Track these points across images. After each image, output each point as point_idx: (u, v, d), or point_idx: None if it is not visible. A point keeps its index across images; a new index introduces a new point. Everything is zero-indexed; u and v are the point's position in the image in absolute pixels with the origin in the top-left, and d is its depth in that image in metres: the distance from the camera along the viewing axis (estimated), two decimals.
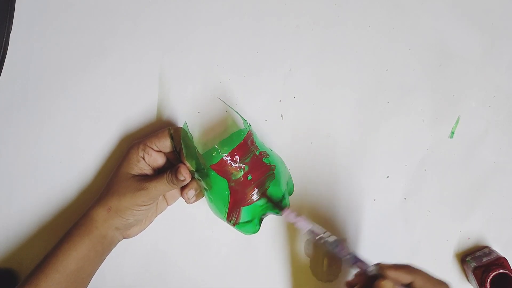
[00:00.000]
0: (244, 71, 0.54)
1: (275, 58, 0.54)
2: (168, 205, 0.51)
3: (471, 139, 0.55)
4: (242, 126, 0.52)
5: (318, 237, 0.46)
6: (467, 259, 0.53)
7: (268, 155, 0.48)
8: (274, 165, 0.48)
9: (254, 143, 0.47)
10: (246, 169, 0.47)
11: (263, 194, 0.47)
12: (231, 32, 0.54)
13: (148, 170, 0.49)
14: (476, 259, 0.52)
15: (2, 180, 0.52)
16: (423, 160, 0.55)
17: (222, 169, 0.46)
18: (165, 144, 0.48)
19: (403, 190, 0.55)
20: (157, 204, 0.50)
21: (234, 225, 0.48)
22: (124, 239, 0.49)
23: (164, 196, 0.51)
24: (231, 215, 0.47)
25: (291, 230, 0.54)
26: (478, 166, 0.55)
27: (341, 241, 0.45)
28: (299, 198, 0.54)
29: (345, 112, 0.54)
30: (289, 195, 0.50)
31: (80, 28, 0.53)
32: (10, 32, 0.52)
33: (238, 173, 0.47)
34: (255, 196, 0.47)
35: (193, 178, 0.47)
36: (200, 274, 0.54)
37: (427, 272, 0.42)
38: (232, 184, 0.46)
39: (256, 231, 0.48)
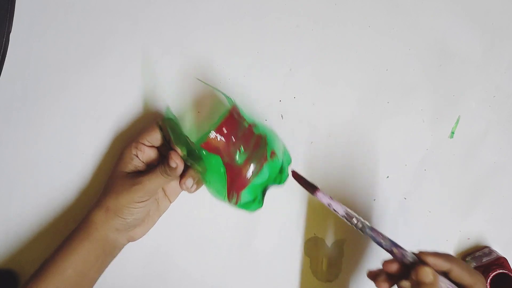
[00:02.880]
0: (244, 71, 0.54)
1: (275, 58, 0.54)
2: (170, 202, 0.51)
3: (471, 139, 0.55)
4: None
5: (355, 219, 0.43)
6: (467, 259, 0.53)
7: (257, 125, 0.47)
8: (265, 134, 0.47)
9: (241, 116, 0.46)
10: (238, 141, 0.45)
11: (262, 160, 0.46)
12: (231, 32, 0.54)
13: (142, 167, 0.48)
14: (476, 259, 0.52)
15: (2, 180, 0.52)
16: (423, 160, 0.55)
17: (213, 146, 0.44)
18: (156, 137, 0.48)
19: (403, 190, 0.55)
20: (158, 202, 0.50)
21: (236, 204, 0.46)
22: (129, 242, 0.49)
23: (165, 193, 0.50)
24: (231, 193, 0.46)
25: (291, 230, 0.54)
26: (478, 166, 0.55)
27: (374, 227, 0.43)
28: (299, 198, 0.54)
29: (345, 112, 0.54)
30: (288, 165, 0.49)
31: (80, 28, 0.53)
32: (10, 32, 0.52)
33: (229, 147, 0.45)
34: (251, 169, 0.45)
35: (189, 167, 0.46)
36: (201, 274, 0.54)
37: (464, 262, 0.41)
38: (226, 159, 0.45)
39: (260, 207, 0.47)
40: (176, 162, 0.44)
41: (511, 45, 0.55)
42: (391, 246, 0.42)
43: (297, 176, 0.45)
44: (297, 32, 0.54)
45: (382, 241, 0.42)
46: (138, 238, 0.49)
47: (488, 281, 0.49)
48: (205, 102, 0.53)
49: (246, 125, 0.46)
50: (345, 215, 0.43)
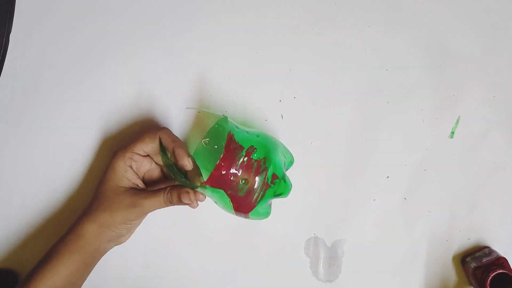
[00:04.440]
0: (244, 71, 0.54)
1: (275, 58, 0.54)
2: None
3: (471, 139, 0.55)
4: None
5: None
6: (467, 259, 0.53)
7: (255, 148, 0.46)
8: (265, 156, 0.46)
9: (237, 145, 0.45)
10: (238, 174, 0.45)
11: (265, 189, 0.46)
12: (231, 32, 0.54)
13: (136, 179, 0.47)
14: (476, 260, 0.52)
15: (2, 180, 0.52)
16: (423, 160, 0.55)
17: (216, 183, 0.44)
18: (151, 146, 0.46)
19: (403, 190, 0.55)
20: None
21: (245, 217, 0.47)
22: (116, 246, 0.49)
23: None
24: (239, 213, 0.46)
25: (291, 230, 0.54)
26: (478, 166, 0.55)
27: None
28: (299, 199, 0.54)
29: (345, 112, 0.54)
30: (290, 166, 0.50)
31: (80, 28, 0.53)
32: (10, 32, 0.52)
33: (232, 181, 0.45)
34: (255, 196, 0.46)
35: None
36: (200, 274, 0.54)
37: None
38: (229, 191, 0.45)
39: (267, 217, 0.48)
40: (192, 200, 0.44)
41: (511, 45, 0.55)
42: None
43: None
44: (297, 32, 0.54)
45: None
46: (125, 241, 0.49)
47: (488, 281, 0.49)
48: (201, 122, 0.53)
49: (244, 153, 0.45)
50: None
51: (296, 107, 0.54)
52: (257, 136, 0.48)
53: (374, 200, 0.54)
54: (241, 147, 0.45)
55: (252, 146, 0.46)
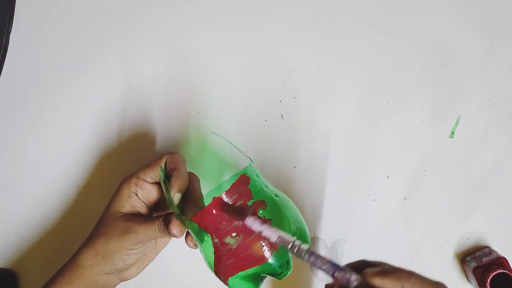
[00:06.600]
0: (244, 71, 0.54)
1: (275, 58, 0.54)
2: (170, 238, 0.47)
3: (471, 139, 0.55)
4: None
5: (290, 244, 0.37)
6: (467, 259, 0.53)
7: (266, 205, 0.40)
8: (270, 220, 0.40)
9: (246, 191, 0.40)
10: (233, 222, 0.39)
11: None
12: (231, 32, 0.54)
13: (141, 207, 0.44)
14: (476, 259, 0.52)
15: (2, 180, 0.52)
16: (423, 160, 0.55)
17: (205, 221, 0.38)
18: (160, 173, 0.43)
19: (403, 190, 0.55)
20: (156, 240, 0.46)
21: (224, 283, 0.41)
22: (122, 281, 0.45)
23: None
24: (219, 274, 0.40)
25: None
26: (478, 166, 0.55)
27: (314, 250, 0.37)
28: (299, 199, 0.54)
29: (345, 112, 0.54)
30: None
31: (80, 28, 0.53)
32: (10, 32, 0.52)
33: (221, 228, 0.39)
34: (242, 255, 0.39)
35: None
36: (200, 274, 0.54)
37: (420, 275, 0.35)
38: (216, 240, 0.39)
39: None
40: (175, 234, 0.39)
41: (511, 45, 0.55)
42: (334, 271, 0.36)
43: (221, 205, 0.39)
44: (297, 32, 0.54)
45: (323, 266, 0.36)
46: (132, 278, 0.46)
47: (488, 281, 0.49)
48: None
49: (250, 203, 0.40)
50: (278, 241, 0.38)
51: (296, 107, 0.54)
52: (276, 195, 0.42)
53: (374, 200, 0.54)
54: (250, 196, 0.40)
55: (263, 201, 0.41)
